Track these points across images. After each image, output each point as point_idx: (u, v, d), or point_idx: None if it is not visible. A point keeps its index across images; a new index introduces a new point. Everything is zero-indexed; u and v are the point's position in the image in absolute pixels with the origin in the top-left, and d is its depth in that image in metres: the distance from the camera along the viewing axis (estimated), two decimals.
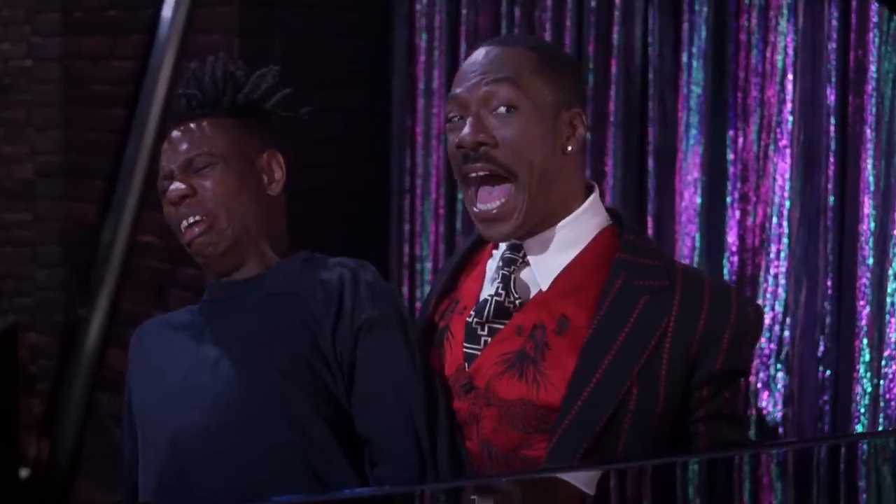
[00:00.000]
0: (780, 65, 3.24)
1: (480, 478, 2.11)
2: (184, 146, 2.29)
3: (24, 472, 5.09)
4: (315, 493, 2.12)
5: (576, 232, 2.17)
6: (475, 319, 2.17)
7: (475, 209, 2.16)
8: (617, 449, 2.07)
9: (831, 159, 3.10)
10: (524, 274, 2.17)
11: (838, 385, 3.11)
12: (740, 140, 3.34)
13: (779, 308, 3.20)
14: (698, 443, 2.12)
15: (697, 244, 3.42)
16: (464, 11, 4.06)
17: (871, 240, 3.01)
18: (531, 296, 2.16)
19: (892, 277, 2.98)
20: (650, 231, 3.51)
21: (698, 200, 3.42)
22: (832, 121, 3.10)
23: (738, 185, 3.34)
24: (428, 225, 4.21)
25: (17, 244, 5.43)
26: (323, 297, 2.20)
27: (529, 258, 2.17)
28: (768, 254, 3.26)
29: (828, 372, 3.13)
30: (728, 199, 3.37)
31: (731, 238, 3.36)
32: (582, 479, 1.86)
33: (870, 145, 3.01)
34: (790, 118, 3.21)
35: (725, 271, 3.34)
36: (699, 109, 3.43)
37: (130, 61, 4.72)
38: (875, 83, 3.00)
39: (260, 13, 4.23)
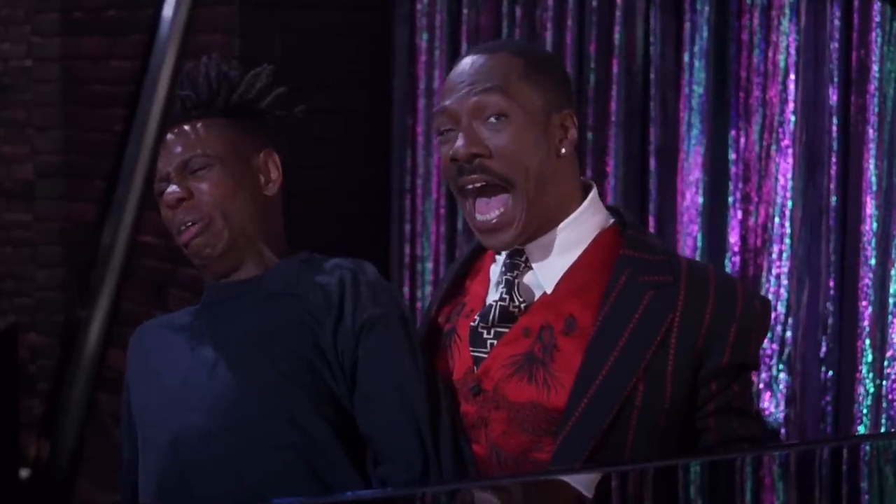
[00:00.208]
0: (782, 64, 3.23)
1: (481, 480, 2.10)
2: (179, 148, 2.28)
3: (24, 473, 5.08)
4: (317, 496, 2.11)
5: (576, 233, 2.17)
6: (480, 324, 2.16)
7: (474, 221, 2.15)
8: (624, 448, 2.06)
9: (833, 159, 3.10)
10: (527, 278, 2.17)
11: (840, 386, 3.10)
12: (742, 140, 3.34)
13: (781, 308, 3.20)
14: (708, 438, 2.11)
15: (699, 244, 3.42)
16: (465, 11, 4.06)
17: (873, 240, 3.01)
18: (535, 299, 2.15)
19: (894, 278, 2.97)
20: (652, 231, 3.51)
21: (700, 200, 3.42)
22: (834, 121, 3.09)
23: (740, 184, 3.34)
24: (429, 225, 4.20)
25: (17, 244, 5.43)
26: (323, 298, 2.19)
27: (532, 262, 2.17)
28: (770, 254, 3.26)
29: (830, 372, 3.12)
30: (730, 199, 3.36)
31: (733, 238, 3.35)
32: (581, 481, 1.85)
33: (872, 145, 3.01)
34: (792, 118, 3.21)
35: (727, 271, 3.33)
36: (701, 109, 3.42)
37: (130, 61, 4.72)
38: (877, 83, 3.00)
39: (260, 13, 4.23)
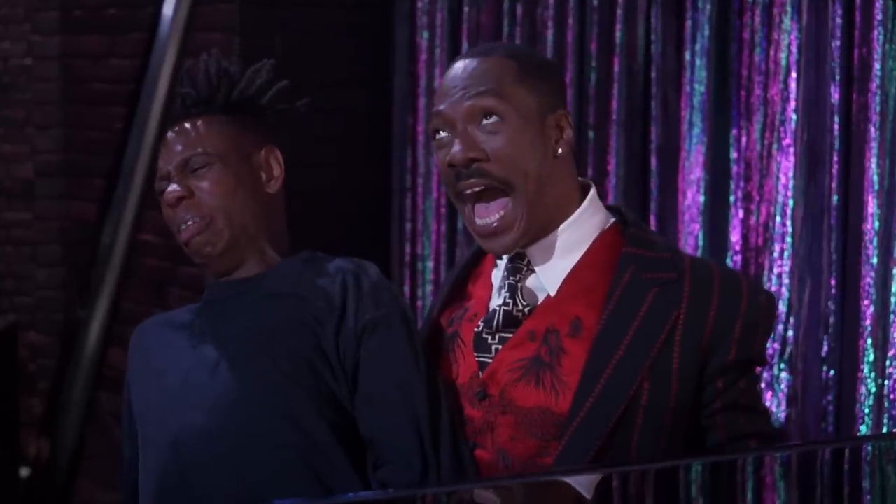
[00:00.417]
0: (783, 63, 3.22)
1: (481, 480, 2.09)
2: (179, 147, 2.27)
3: (24, 472, 5.08)
4: (318, 497, 2.10)
5: (577, 233, 2.16)
6: (484, 330, 2.15)
7: (475, 225, 2.14)
8: (630, 447, 2.05)
9: (835, 158, 3.09)
10: (530, 281, 2.16)
11: (842, 385, 3.10)
12: (743, 139, 3.33)
13: (782, 307, 3.19)
14: (715, 436, 2.10)
15: (700, 243, 3.41)
16: (465, 9, 4.05)
17: (875, 239, 3.00)
18: (539, 302, 2.14)
19: None
20: (653, 230, 3.50)
21: (701, 199, 3.41)
22: (836, 119, 3.09)
23: (742, 183, 3.33)
24: (429, 224, 4.20)
25: (17, 243, 5.42)
26: (325, 299, 2.19)
27: (534, 265, 2.16)
28: (771, 253, 3.25)
29: (831, 372, 3.11)
30: (731, 198, 3.36)
31: (735, 237, 3.35)
32: (581, 482, 1.84)
33: (874, 144, 3.00)
34: (794, 116, 3.20)
35: (731, 267, 3.32)
36: (702, 108, 3.42)
37: (130, 60, 4.72)
38: (879, 81, 2.99)
39: (261, 12, 4.22)
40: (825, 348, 3.12)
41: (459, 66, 2.15)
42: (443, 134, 2.14)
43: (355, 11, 4.37)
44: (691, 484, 1.83)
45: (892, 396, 2.98)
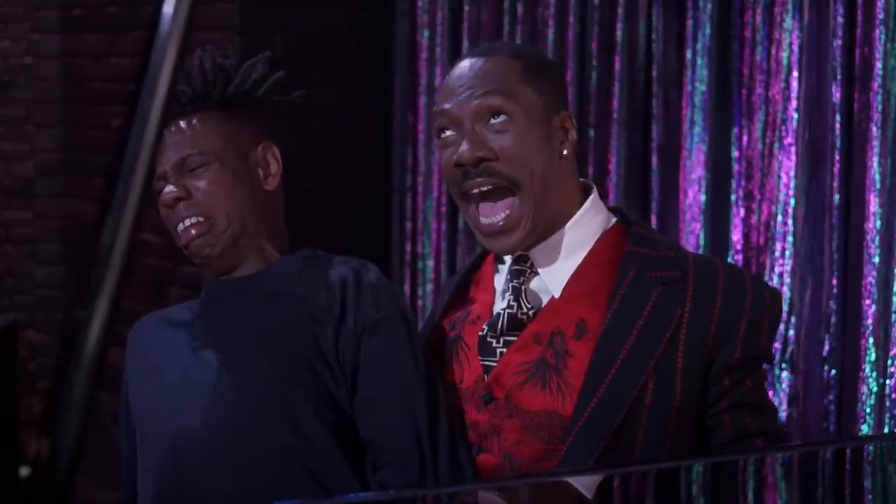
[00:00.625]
0: (785, 62, 3.22)
1: (481, 481, 2.09)
2: (175, 146, 2.25)
3: (24, 471, 5.08)
4: (318, 499, 2.10)
5: (580, 234, 2.15)
6: (489, 333, 2.14)
7: (480, 224, 2.13)
8: (634, 447, 2.04)
9: (836, 157, 3.09)
10: (534, 283, 2.15)
11: (844, 384, 3.09)
12: (745, 138, 3.33)
13: (784, 307, 3.18)
14: (721, 434, 2.09)
15: (702, 242, 3.41)
16: (466, 8, 4.05)
17: (876, 238, 3.00)
18: (543, 304, 2.14)
19: None
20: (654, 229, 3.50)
21: (702, 198, 3.41)
22: (837, 118, 3.08)
23: (743, 182, 3.33)
24: (430, 223, 4.19)
25: (16, 242, 5.42)
26: (325, 298, 2.17)
27: (538, 267, 2.15)
28: (773, 252, 3.25)
29: (833, 371, 3.11)
30: (732, 197, 3.35)
31: (736, 236, 3.34)
32: (582, 482, 1.84)
33: (875, 143, 3.00)
34: (795, 115, 3.20)
35: (734, 264, 3.31)
36: (703, 107, 3.41)
37: (130, 58, 4.71)
38: (881, 80, 2.99)
39: (261, 10, 4.22)
40: (826, 348, 3.12)
41: (465, 64, 2.15)
42: (448, 133, 2.13)
43: (356, 10, 4.37)
44: (692, 484, 1.82)
45: (893, 396, 2.97)
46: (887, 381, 2.98)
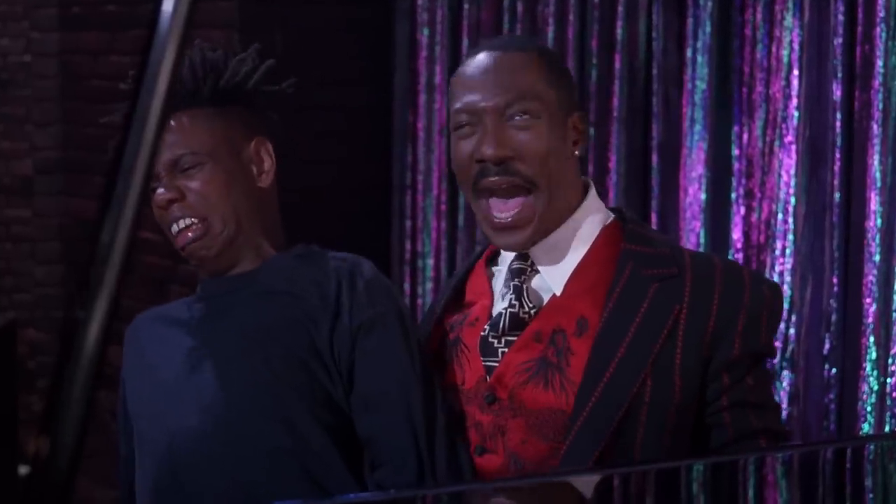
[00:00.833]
0: (785, 60, 3.21)
1: (481, 482, 2.08)
2: (167, 146, 2.21)
3: (23, 470, 5.06)
4: (315, 499, 2.09)
5: (580, 231, 2.14)
6: (490, 334, 2.13)
7: (491, 219, 2.11)
8: (634, 445, 2.03)
9: (837, 155, 3.08)
10: (535, 282, 2.14)
11: (844, 383, 3.09)
12: (745, 136, 3.32)
13: (784, 305, 3.18)
14: (723, 432, 2.07)
15: (702, 240, 3.40)
16: (466, 6, 4.05)
17: (877, 236, 2.99)
18: (545, 302, 2.13)
19: None
20: (654, 228, 3.49)
21: (703, 197, 3.40)
22: (838, 116, 3.08)
23: (743, 181, 3.33)
24: (430, 221, 4.19)
25: (16, 240, 5.41)
26: (319, 297, 2.16)
27: (538, 265, 2.14)
28: (773, 250, 3.24)
29: (833, 370, 3.11)
30: (733, 196, 3.35)
31: (736, 235, 3.34)
32: (582, 482, 1.83)
33: (876, 141, 2.99)
34: (796, 114, 3.19)
35: (732, 259, 3.31)
36: (703, 105, 3.41)
37: (129, 56, 4.70)
38: (882, 78, 2.98)
39: (260, 8, 4.22)
40: (827, 346, 3.11)
41: (486, 58, 2.12)
42: (467, 124, 2.11)
43: (355, 7, 4.36)
44: (693, 483, 1.82)
45: (894, 394, 2.97)
46: (888, 380, 2.97)
